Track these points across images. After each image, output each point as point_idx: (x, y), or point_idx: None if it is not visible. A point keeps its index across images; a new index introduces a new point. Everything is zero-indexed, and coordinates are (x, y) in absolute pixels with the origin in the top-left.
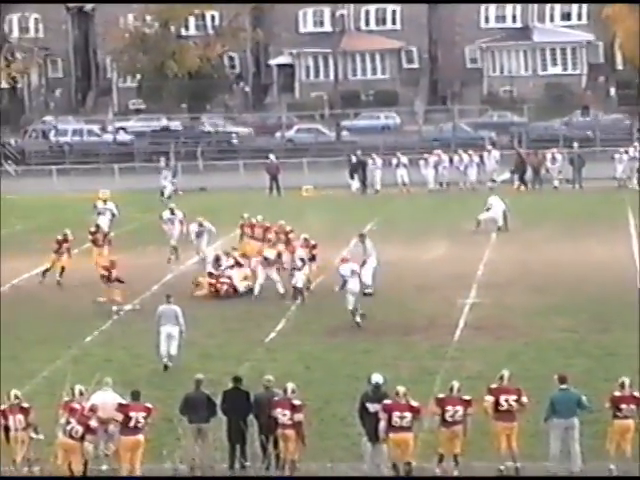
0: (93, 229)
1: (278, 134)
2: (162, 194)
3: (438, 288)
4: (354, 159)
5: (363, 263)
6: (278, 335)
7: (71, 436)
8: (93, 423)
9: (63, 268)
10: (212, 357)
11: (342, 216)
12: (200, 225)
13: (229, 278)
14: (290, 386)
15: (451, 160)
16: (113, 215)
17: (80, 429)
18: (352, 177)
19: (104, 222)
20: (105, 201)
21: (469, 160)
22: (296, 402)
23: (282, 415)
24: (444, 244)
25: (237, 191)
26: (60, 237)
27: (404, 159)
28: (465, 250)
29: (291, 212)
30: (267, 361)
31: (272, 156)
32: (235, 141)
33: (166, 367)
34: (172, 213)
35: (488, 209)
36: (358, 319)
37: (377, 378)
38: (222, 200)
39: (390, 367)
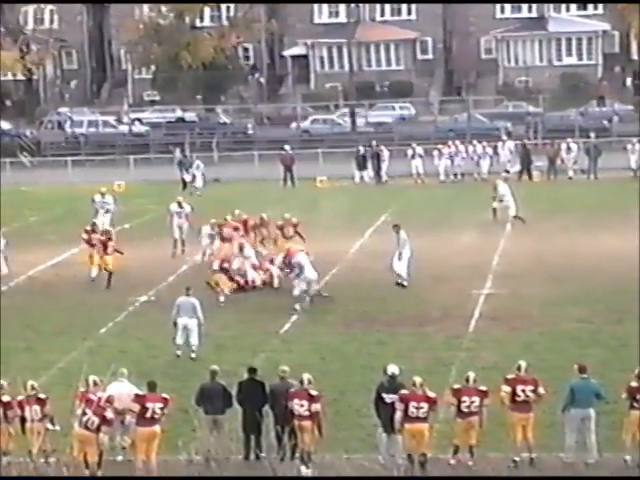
0: (89, 227)
1: (293, 125)
2: (185, 186)
3: (453, 279)
4: (362, 150)
5: (399, 255)
6: (293, 326)
7: (87, 427)
8: (109, 414)
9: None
10: (227, 348)
11: (356, 207)
12: (213, 228)
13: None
14: (306, 377)
15: (466, 151)
16: (110, 211)
17: (96, 420)
18: (359, 168)
19: (105, 218)
20: (103, 195)
21: (482, 151)
22: (313, 392)
23: (299, 406)
24: (459, 235)
25: (251, 182)
26: (88, 227)
27: (419, 150)
28: (480, 241)
29: (305, 203)
30: (282, 352)
31: (287, 147)
32: (251, 132)
33: (178, 356)
34: (180, 206)
35: (501, 200)
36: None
37: (393, 369)
38: (236, 191)
39: (405, 358)
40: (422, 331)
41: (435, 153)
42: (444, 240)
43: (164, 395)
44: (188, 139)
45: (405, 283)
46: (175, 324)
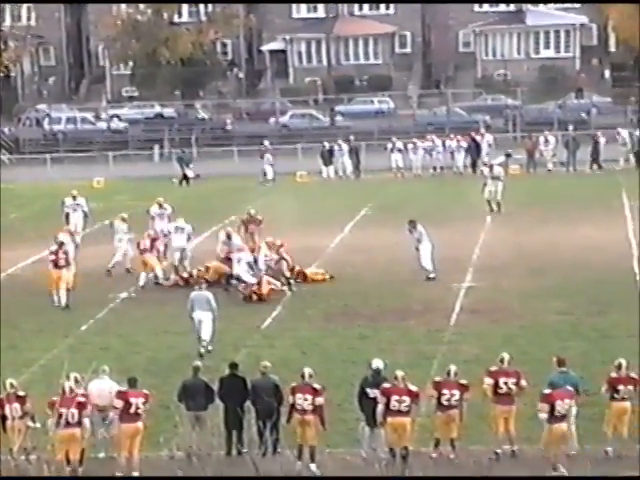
0: (54, 248)
1: (272, 120)
2: (187, 181)
3: (435, 272)
4: (327, 146)
5: (420, 251)
6: (274, 321)
7: (68, 424)
8: (86, 410)
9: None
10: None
11: (336, 202)
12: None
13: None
14: (307, 371)
15: (444, 144)
16: (85, 213)
17: (75, 412)
18: (325, 163)
19: (78, 220)
20: (75, 197)
21: (457, 145)
22: (316, 386)
23: (303, 400)
24: (439, 228)
25: (230, 178)
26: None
27: (399, 144)
28: (460, 234)
29: (284, 198)
30: (264, 347)
31: (266, 142)
32: (229, 127)
33: (201, 355)
34: (161, 207)
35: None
36: None
37: (378, 363)
38: (216, 187)
39: (387, 352)
40: (403, 325)
41: (410, 147)
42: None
43: (145, 391)
44: (167, 135)
45: (432, 275)
46: (191, 319)
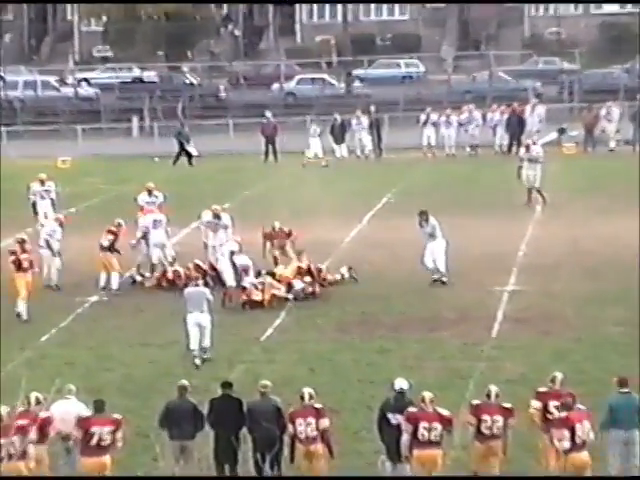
0: (14, 248)
1: (275, 87)
2: (190, 160)
3: (470, 273)
4: (339, 119)
5: (430, 249)
6: (277, 331)
7: (10, 456)
8: (30, 436)
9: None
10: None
11: (353, 187)
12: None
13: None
14: (307, 391)
15: (484, 117)
16: (53, 201)
17: (17, 440)
18: (335, 141)
19: (46, 207)
20: (43, 182)
21: (500, 118)
22: (318, 405)
23: (305, 426)
24: (477, 220)
25: (225, 157)
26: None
27: (434, 116)
28: (503, 227)
29: (290, 182)
30: (263, 363)
31: (268, 113)
32: (224, 95)
33: (197, 367)
34: (150, 194)
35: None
36: None
37: (402, 383)
38: (206, 168)
39: (413, 370)
40: (433, 337)
41: (442, 120)
42: (459, 226)
43: (115, 416)
44: (147, 104)
45: (445, 279)
46: (185, 321)
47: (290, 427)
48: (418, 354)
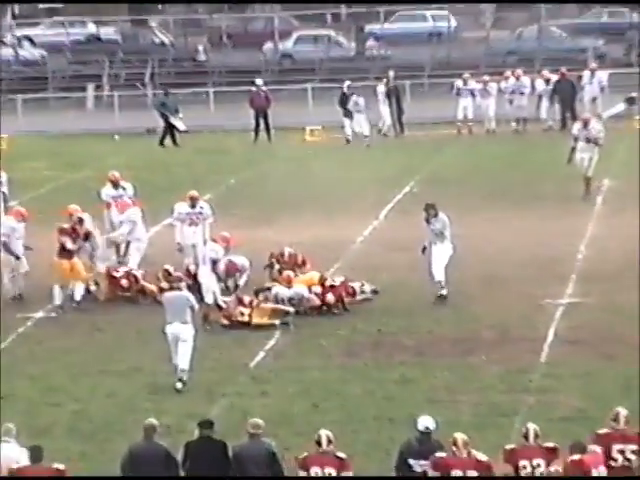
0: None
1: (268, 47)
2: (174, 138)
3: (514, 281)
4: (345, 87)
5: (423, 249)
6: (270, 356)
7: None
8: None
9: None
10: (170, 391)
11: (366, 172)
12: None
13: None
14: (325, 434)
15: (533, 85)
16: (5, 195)
17: None
18: (347, 115)
19: None
20: None
21: (545, 87)
22: (341, 455)
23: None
24: (522, 215)
25: (205, 134)
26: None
27: (472, 83)
28: (556, 223)
29: (287, 168)
30: (253, 396)
31: (259, 81)
32: (202, 57)
33: (177, 391)
34: (116, 187)
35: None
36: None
37: (427, 422)
38: (181, 149)
39: (442, 404)
40: (468, 362)
41: (479, 88)
42: (500, 223)
43: (57, 467)
44: (106, 69)
45: (444, 292)
46: (164, 334)
47: (301, 473)
48: (449, 384)
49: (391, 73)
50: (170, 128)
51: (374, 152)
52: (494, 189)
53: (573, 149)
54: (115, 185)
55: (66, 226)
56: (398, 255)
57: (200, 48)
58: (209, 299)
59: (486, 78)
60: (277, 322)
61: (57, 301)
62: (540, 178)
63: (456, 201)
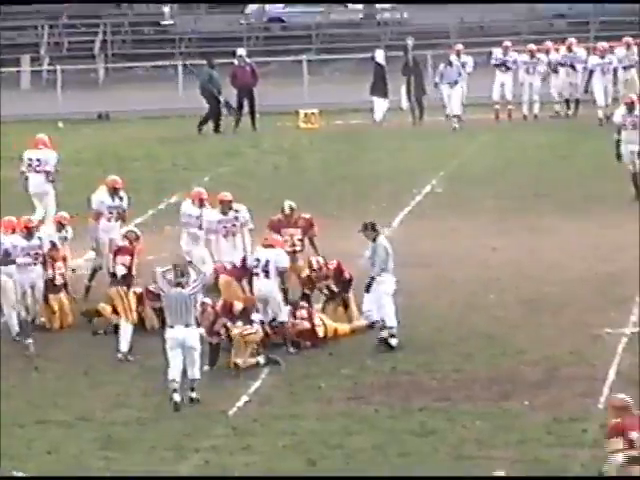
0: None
1: (252, 9)
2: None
3: (565, 306)
4: (378, 56)
5: (368, 287)
6: (254, 402)
7: None
8: None
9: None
10: (129, 443)
11: (377, 167)
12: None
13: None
14: None
15: (587, 56)
16: None
17: None
18: (373, 91)
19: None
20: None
21: (598, 61)
22: None
23: None
24: (573, 221)
25: (171, 120)
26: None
27: (513, 54)
28: (616, 232)
29: (276, 161)
30: (234, 451)
31: (242, 51)
32: (168, 22)
33: (176, 406)
34: (114, 195)
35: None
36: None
37: None
38: (140, 138)
39: (473, 462)
40: (506, 408)
41: (521, 61)
42: (546, 232)
43: None
44: (45, 36)
45: (394, 342)
46: (163, 339)
47: None
48: (481, 437)
49: (409, 42)
50: (218, 110)
51: (386, 143)
52: (538, 189)
53: (618, 142)
54: (113, 193)
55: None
56: (416, 272)
57: (165, 10)
58: (284, 317)
59: (532, 47)
60: (262, 360)
61: (15, 328)
62: (596, 175)
63: (490, 204)
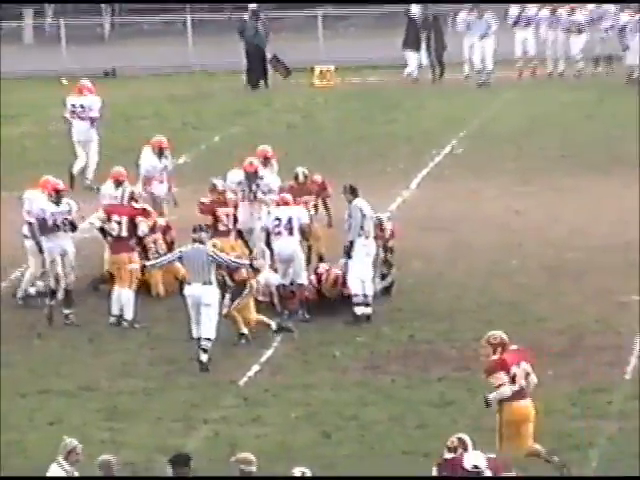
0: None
1: None
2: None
3: (590, 272)
4: (413, 9)
5: (347, 251)
6: (265, 371)
7: None
8: None
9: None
10: (135, 415)
11: (393, 128)
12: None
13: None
14: None
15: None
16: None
17: None
18: (406, 44)
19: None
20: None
21: (629, 19)
22: None
23: None
24: (598, 183)
25: (181, 77)
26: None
27: (532, 10)
28: None
29: (290, 120)
30: (244, 423)
31: (253, 5)
32: None
33: (202, 364)
34: (118, 186)
35: None
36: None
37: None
38: (147, 96)
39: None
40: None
41: (545, 18)
42: (572, 195)
43: None
44: None
45: (369, 311)
46: (183, 297)
47: None
48: None
49: None
50: (264, 65)
51: (405, 101)
52: (563, 149)
53: None
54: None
55: None
56: (435, 237)
57: None
58: (304, 279)
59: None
60: (274, 325)
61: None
62: (624, 135)
63: (512, 165)
